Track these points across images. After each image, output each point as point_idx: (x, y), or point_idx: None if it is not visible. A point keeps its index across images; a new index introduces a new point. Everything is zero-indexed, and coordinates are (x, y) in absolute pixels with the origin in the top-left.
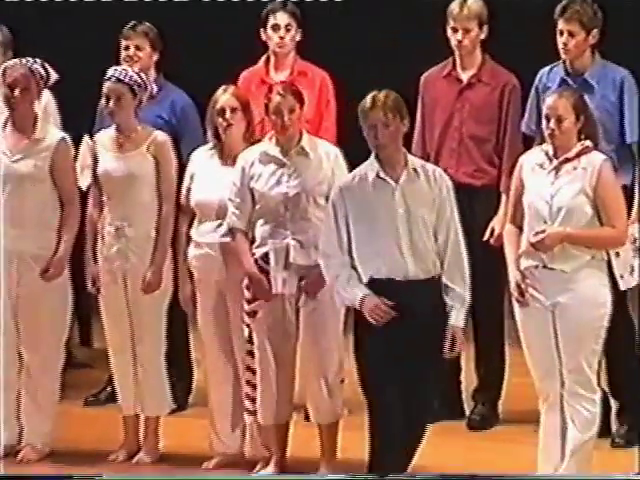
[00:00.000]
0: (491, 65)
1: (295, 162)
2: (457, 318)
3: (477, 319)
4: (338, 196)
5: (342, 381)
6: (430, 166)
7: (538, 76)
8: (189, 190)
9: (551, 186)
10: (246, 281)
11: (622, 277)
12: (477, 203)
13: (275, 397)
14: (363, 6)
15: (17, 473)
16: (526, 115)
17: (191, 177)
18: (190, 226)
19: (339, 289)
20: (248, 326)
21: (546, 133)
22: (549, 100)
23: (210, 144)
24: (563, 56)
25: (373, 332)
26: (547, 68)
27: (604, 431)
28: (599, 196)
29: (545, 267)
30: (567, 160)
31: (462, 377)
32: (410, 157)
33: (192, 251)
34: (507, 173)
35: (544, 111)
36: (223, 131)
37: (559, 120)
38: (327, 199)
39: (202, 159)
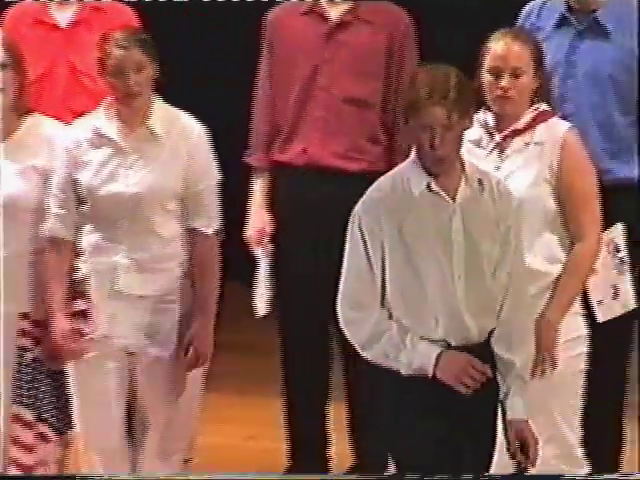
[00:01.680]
0: None
1: (139, 147)
2: (518, 407)
3: None
4: (368, 215)
5: (188, 461)
6: (491, 175)
7: (524, 13)
8: None
9: (496, 172)
10: (80, 307)
11: (600, 303)
12: (351, 197)
13: None
14: None
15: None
16: None
17: None
18: None
19: (389, 354)
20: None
21: (492, 95)
22: (498, 46)
23: None
24: None
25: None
26: (538, 1)
27: None
28: (562, 180)
29: None
30: (515, 133)
31: None
32: (467, 160)
33: None
34: (400, 152)
35: (488, 62)
36: None
37: (516, 75)
38: (182, 202)
39: None
